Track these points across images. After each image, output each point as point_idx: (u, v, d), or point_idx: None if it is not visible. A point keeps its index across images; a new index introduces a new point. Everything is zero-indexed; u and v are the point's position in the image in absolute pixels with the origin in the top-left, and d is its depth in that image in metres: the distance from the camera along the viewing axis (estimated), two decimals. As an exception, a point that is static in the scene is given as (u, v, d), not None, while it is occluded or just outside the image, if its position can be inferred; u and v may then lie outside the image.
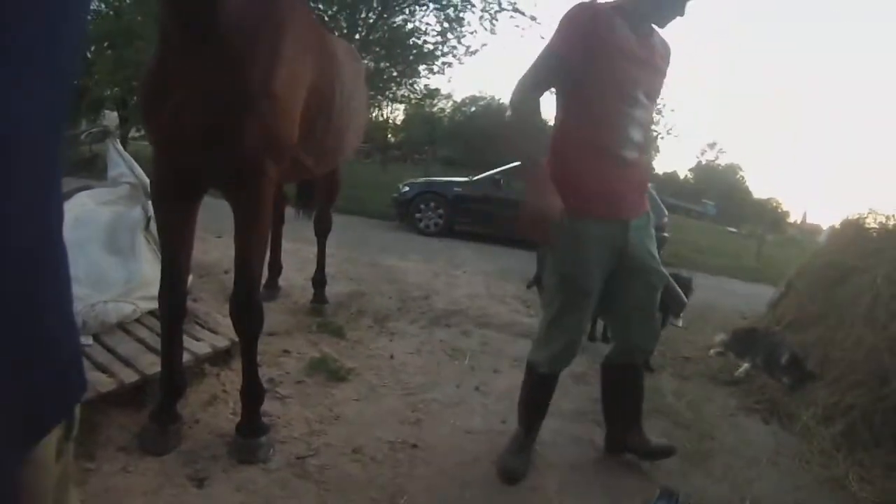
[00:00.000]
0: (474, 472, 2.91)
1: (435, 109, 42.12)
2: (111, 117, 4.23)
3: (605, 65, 2.55)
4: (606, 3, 2.62)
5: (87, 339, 3.32)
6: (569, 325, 2.82)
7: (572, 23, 2.54)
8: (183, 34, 2.26)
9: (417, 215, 11.92)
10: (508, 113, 2.59)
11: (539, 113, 2.59)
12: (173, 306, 2.76)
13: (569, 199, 2.46)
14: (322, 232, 4.98)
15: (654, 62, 2.71)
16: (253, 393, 2.81)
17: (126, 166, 4.39)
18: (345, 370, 3.72)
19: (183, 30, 2.25)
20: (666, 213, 11.60)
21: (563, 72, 2.56)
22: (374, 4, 21.74)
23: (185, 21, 2.22)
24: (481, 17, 21.60)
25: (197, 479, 2.51)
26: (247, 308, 2.67)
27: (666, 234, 11.27)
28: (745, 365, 4.97)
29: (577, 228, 2.62)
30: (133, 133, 17.88)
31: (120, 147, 4.65)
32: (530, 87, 2.54)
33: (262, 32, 2.40)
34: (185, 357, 3.07)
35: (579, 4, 2.56)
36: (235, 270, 2.63)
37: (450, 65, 23.50)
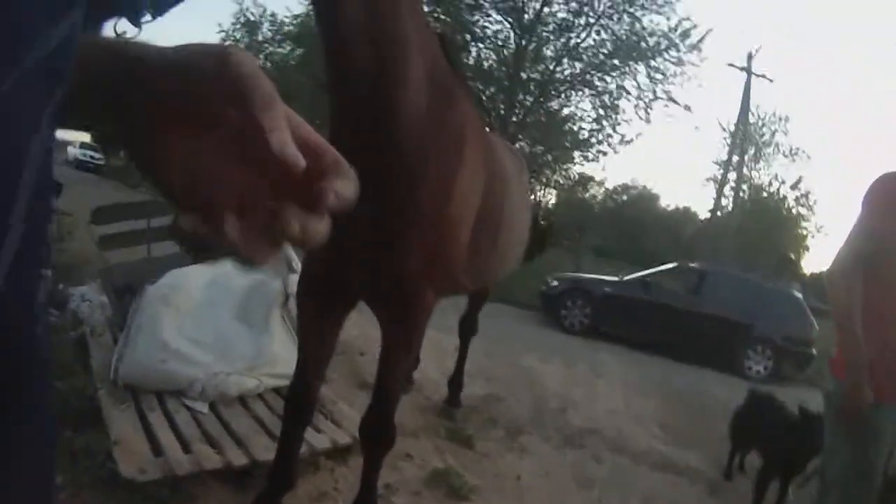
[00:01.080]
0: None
1: (587, 196, 41.99)
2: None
3: None
4: None
5: (202, 407, 3.28)
6: None
7: (882, 197, 2.48)
8: (355, 140, 2.01)
9: (563, 312, 11.52)
10: (832, 297, 2.52)
11: (860, 301, 2.47)
12: (302, 408, 2.63)
13: (882, 385, 2.37)
14: (466, 335, 4.83)
15: None
16: None
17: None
18: (467, 488, 3.40)
19: (356, 136, 2.03)
20: (815, 325, 10.64)
21: (876, 248, 2.48)
22: (532, 88, 22.01)
23: (361, 127, 2.04)
24: (636, 106, 21.51)
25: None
26: (380, 431, 2.52)
27: (814, 352, 10.34)
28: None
29: (880, 415, 2.43)
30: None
31: None
32: (850, 270, 2.46)
33: (440, 145, 2.18)
34: (302, 448, 2.88)
35: (886, 177, 2.49)
36: (374, 391, 2.50)
37: (604, 153, 23.33)
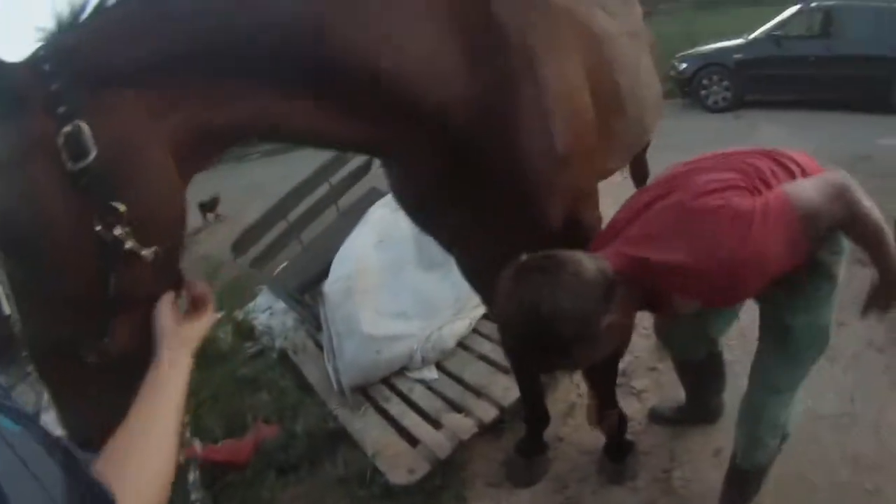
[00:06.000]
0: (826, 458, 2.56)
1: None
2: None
3: None
4: None
5: (431, 373, 3.28)
6: None
7: None
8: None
9: (703, 92, 10.61)
10: None
11: None
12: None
13: None
14: (640, 180, 4.29)
15: None
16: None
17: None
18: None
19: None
20: None
21: None
22: None
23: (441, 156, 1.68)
24: None
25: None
26: None
27: None
28: None
29: None
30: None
31: None
32: None
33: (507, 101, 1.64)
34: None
35: None
36: None
37: None
